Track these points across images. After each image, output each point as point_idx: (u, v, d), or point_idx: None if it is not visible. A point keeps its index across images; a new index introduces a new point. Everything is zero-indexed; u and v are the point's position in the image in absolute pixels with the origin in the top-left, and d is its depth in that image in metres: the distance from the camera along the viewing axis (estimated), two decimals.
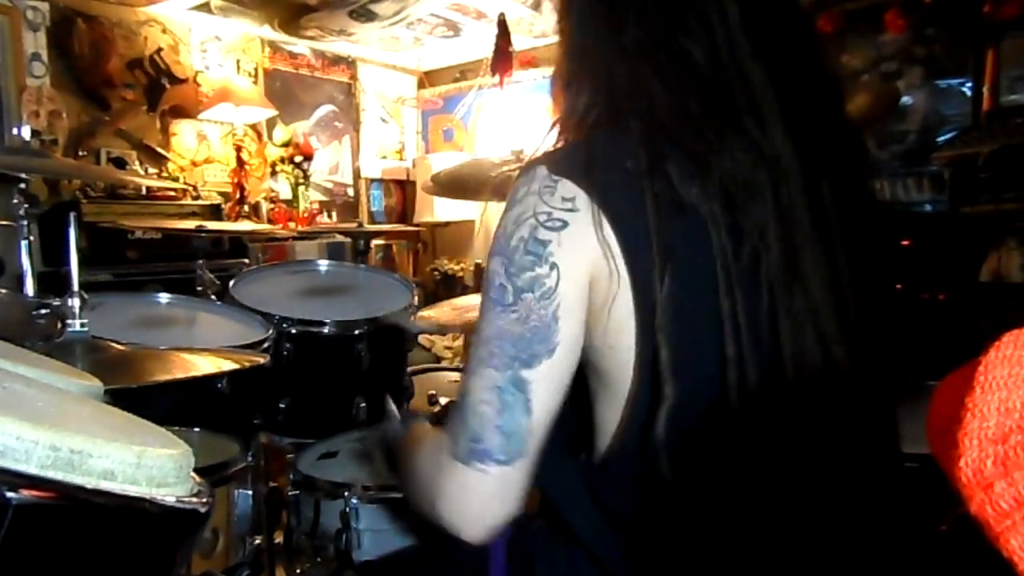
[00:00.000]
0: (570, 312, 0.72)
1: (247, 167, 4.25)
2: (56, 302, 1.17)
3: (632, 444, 0.74)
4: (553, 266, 0.72)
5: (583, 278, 0.72)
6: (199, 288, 1.95)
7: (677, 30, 0.76)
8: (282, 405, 1.68)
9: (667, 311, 0.70)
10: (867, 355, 0.77)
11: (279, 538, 1.50)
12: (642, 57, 0.77)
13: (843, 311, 0.74)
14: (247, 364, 1.28)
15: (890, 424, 0.82)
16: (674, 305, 0.70)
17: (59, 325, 1.16)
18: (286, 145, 4.47)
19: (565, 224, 0.72)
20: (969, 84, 3.14)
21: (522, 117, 4.27)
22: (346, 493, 1.25)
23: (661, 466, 0.71)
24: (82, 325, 1.16)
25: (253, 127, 4.36)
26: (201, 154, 4.16)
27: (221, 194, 4.05)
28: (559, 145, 0.81)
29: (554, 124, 0.84)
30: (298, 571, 1.39)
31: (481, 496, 0.73)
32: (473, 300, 1.84)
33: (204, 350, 1.36)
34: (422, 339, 1.92)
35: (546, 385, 0.72)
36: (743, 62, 0.75)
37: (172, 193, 3.70)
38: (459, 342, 3.46)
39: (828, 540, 0.76)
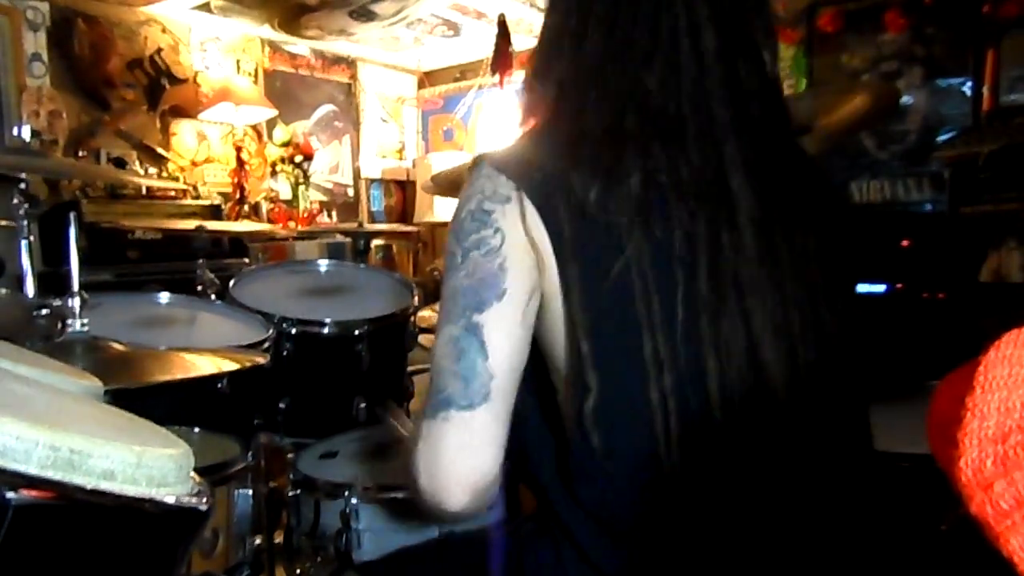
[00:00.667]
0: (516, 266, 0.75)
1: (247, 167, 4.25)
2: (56, 302, 1.17)
3: (577, 431, 0.75)
4: (497, 230, 0.75)
5: (525, 247, 0.76)
6: (199, 288, 1.95)
7: (636, 60, 0.78)
8: (282, 405, 1.68)
9: (583, 308, 0.73)
10: (818, 358, 0.77)
11: (279, 538, 1.49)
12: (594, 69, 0.80)
13: (783, 314, 0.75)
14: (247, 364, 1.28)
15: (850, 420, 0.82)
16: (588, 303, 0.73)
17: (59, 325, 1.16)
18: (286, 145, 4.48)
19: (509, 199, 0.76)
20: (969, 84, 3.14)
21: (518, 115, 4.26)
22: (346, 493, 1.25)
23: (597, 454, 0.73)
24: (82, 325, 1.16)
25: (253, 127, 4.36)
26: (201, 154, 4.16)
27: (221, 194, 4.06)
28: (504, 146, 0.85)
29: (520, 119, 0.88)
30: (298, 571, 1.39)
31: (449, 448, 0.73)
32: None
33: (204, 350, 1.36)
34: (422, 339, 1.92)
35: (499, 327, 0.74)
36: (707, 99, 0.77)
37: (172, 193, 3.70)
38: None
39: (810, 537, 0.76)
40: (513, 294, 0.75)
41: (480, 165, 0.80)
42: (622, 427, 0.73)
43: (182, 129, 4.08)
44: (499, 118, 4.48)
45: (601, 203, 0.73)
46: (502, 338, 0.74)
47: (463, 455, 0.74)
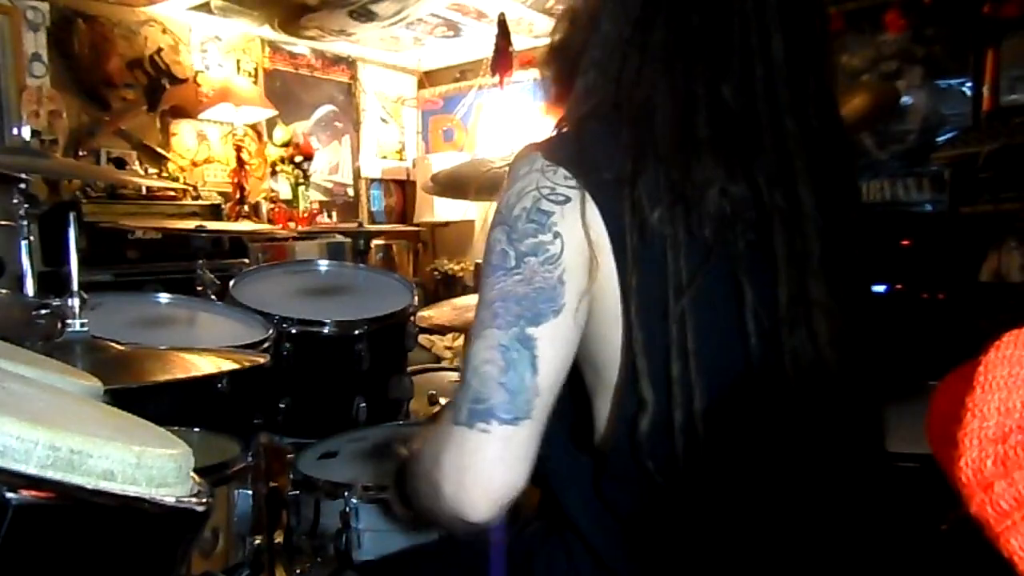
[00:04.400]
0: (574, 278, 0.72)
1: (247, 167, 4.25)
2: (56, 302, 1.17)
3: (623, 441, 0.74)
4: (557, 235, 0.72)
5: (584, 252, 0.73)
6: (199, 288, 1.95)
7: (712, 65, 0.75)
8: (282, 405, 1.68)
9: (639, 321, 0.71)
10: (850, 363, 0.77)
11: (279, 538, 1.49)
12: (662, 63, 0.76)
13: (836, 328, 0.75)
14: (247, 364, 1.28)
15: (875, 425, 0.83)
16: (645, 315, 0.71)
17: (59, 325, 1.16)
18: (286, 145, 4.48)
19: (568, 199, 0.72)
20: (969, 84, 3.14)
21: (522, 117, 4.27)
22: (346, 493, 1.25)
23: (648, 468, 0.72)
24: (82, 325, 1.16)
25: (253, 127, 4.36)
26: (201, 154, 4.16)
27: (221, 194, 4.06)
28: (553, 133, 0.81)
29: (561, 112, 0.83)
30: (298, 571, 1.39)
31: (484, 460, 0.70)
32: (473, 300, 1.84)
33: (204, 350, 1.36)
34: (422, 339, 1.92)
35: (552, 344, 0.71)
36: (778, 112, 0.74)
37: (172, 193, 3.70)
38: (459, 342, 3.46)
39: (820, 539, 0.76)
40: (569, 308, 0.71)
41: (533, 157, 0.75)
42: (671, 446, 0.72)
43: (182, 129, 4.08)
44: (499, 118, 4.48)
45: (667, 220, 0.71)
46: (553, 355, 0.71)
47: (498, 470, 0.70)
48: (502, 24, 2.41)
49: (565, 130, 0.80)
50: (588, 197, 0.72)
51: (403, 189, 5.30)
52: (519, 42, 2.64)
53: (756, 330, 0.72)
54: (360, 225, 4.12)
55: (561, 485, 0.81)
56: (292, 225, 4.16)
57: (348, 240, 4.07)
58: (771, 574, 0.76)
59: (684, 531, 0.75)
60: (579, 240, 0.72)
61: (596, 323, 0.75)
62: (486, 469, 0.70)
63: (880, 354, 0.82)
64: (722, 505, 0.74)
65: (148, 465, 0.45)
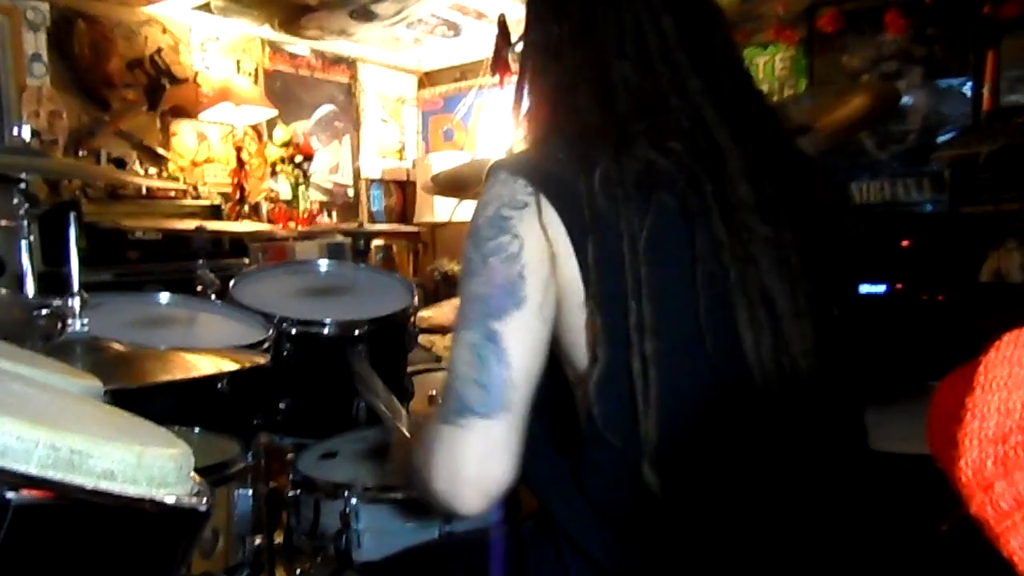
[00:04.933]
0: (534, 273, 0.76)
1: (247, 167, 4.25)
2: (56, 302, 1.17)
3: (591, 425, 0.76)
4: (515, 236, 0.76)
5: (544, 251, 0.76)
6: (199, 288, 1.95)
7: (614, 53, 0.83)
8: (282, 405, 1.68)
9: (597, 280, 0.74)
10: (821, 354, 0.78)
11: (279, 538, 1.49)
12: (579, 77, 0.84)
13: (788, 310, 0.76)
14: (247, 364, 1.28)
15: (853, 420, 0.83)
16: (604, 275, 0.74)
17: (59, 325, 1.16)
18: (286, 145, 4.48)
19: (526, 204, 0.77)
20: (969, 84, 3.14)
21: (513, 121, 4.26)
22: (346, 493, 1.25)
23: (599, 426, 0.74)
24: (82, 325, 1.16)
25: (253, 127, 4.36)
26: (201, 154, 4.16)
27: (221, 194, 4.06)
28: (515, 153, 0.90)
29: (519, 140, 0.94)
30: (298, 571, 1.39)
31: (469, 456, 0.74)
32: None
33: (204, 350, 1.36)
34: (422, 339, 1.92)
35: (518, 336, 0.75)
36: (678, 73, 0.82)
37: (172, 193, 3.70)
38: None
39: (801, 535, 0.77)
40: (532, 301, 0.75)
41: (496, 172, 0.81)
42: (620, 401, 0.74)
43: (182, 129, 4.08)
44: (499, 118, 4.48)
45: (606, 184, 0.75)
46: (521, 347, 0.75)
47: (484, 464, 0.75)
48: (502, 24, 2.41)
49: (526, 147, 0.89)
50: (544, 199, 0.76)
51: (403, 189, 5.30)
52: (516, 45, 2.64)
53: (704, 269, 0.75)
54: (360, 225, 4.12)
55: (543, 487, 0.84)
56: (292, 225, 4.17)
57: (348, 240, 4.07)
58: (755, 569, 0.76)
59: (664, 524, 0.75)
60: (538, 240, 0.76)
61: (566, 318, 0.78)
62: (472, 464, 0.74)
63: (867, 355, 0.83)
64: (704, 518, 0.75)
65: (148, 465, 0.45)
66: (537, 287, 0.76)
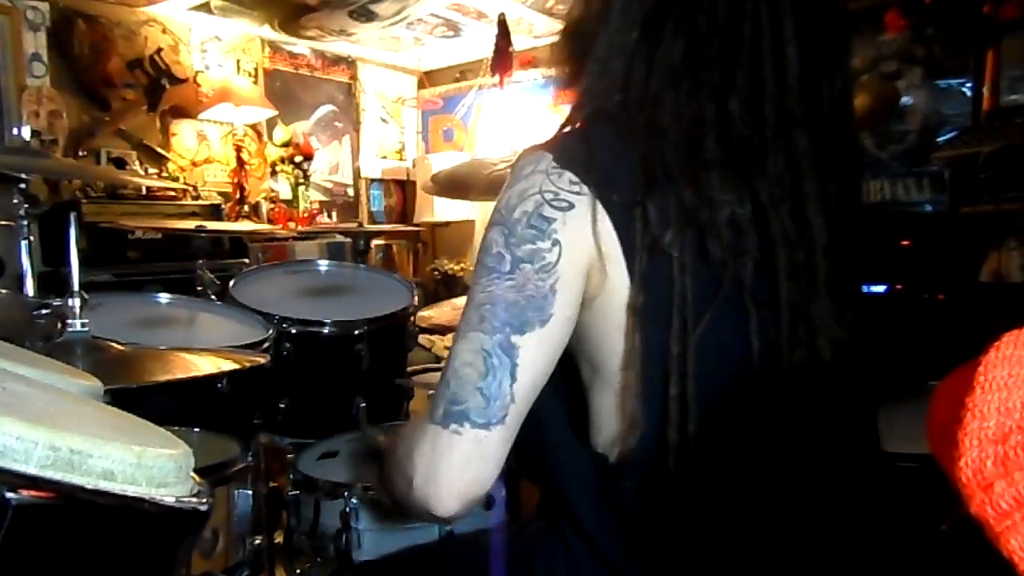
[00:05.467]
0: (567, 288, 0.71)
1: (247, 167, 4.25)
2: (56, 302, 1.17)
3: (625, 428, 0.75)
4: (556, 243, 0.71)
5: (583, 261, 0.72)
6: (199, 288, 1.95)
7: (718, 79, 0.73)
8: (282, 405, 1.68)
9: (641, 339, 0.71)
10: (850, 378, 0.77)
11: (279, 538, 1.49)
12: (669, 77, 0.74)
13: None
14: (247, 364, 1.28)
15: (870, 435, 0.83)
16: (648, 334, 0.71)
17: (59, 325, 1.16)
18: (286, 145, 4.48)
19: (571, 206, 0.71)
20: (969, 84, 3.14)
21: (522, 117, 4.27)
22: (346, 493, 1.25)
23: (627, 487, 0.73)
24: (82, 325, 1.16)
25: (253, 127, 4.36)
26: (201, 154, 4.16)
27: (221, 194, 4.06)
28: (561, 133, 0.79)
29: (572, 104, 0.81)
30: (298, 571, 1.39)
31: (454, 460, 0.71)
32: None
33: (204, 350, 1.36)
34: (422, 339, 1.92)
35: (535, 354, 0.71)
36: (787, 124, 0.72)
37: (172, 193, 3.70)
38: None
39: (818, 542, 0.77)
40: (557, 319, 0.71)
41: (539, 157, 0.73)
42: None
43: (182, 129, 4.08)
44: (499, 118, 4.48)
45: (676, 243, 0.70)
46: (535, 364, 0.71)
47: (466, 470, 0.71)
48: (502, 24, 2.41)
49: (572, 130, 0.78)
50: (600, 207, 0.71)
51: (403, 189, 5.30)
52: (519, 42, 2.64)
53: (760, 352, 0.72)
54: (360, 225, 4.13)
55: (564, 479, 0.81)
56: (292, 225, 4.16)
57: (348, 240, 4.07)
58: (771, 571, 0.77)
59: (685, 533, 0.75)
60: (580, 249, 0.72)
61: (600, 327, 0.75)
62: (455, 468, 0.71)
63: (877, 362, 0.83)
64: (719, 521, 0.74)
65: (148, 465, 0.45)
66: (566, 304, 0.71)
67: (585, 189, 0.71)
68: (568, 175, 0.72)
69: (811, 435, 0.76)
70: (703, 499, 0.74)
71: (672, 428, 0.71)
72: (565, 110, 0.83)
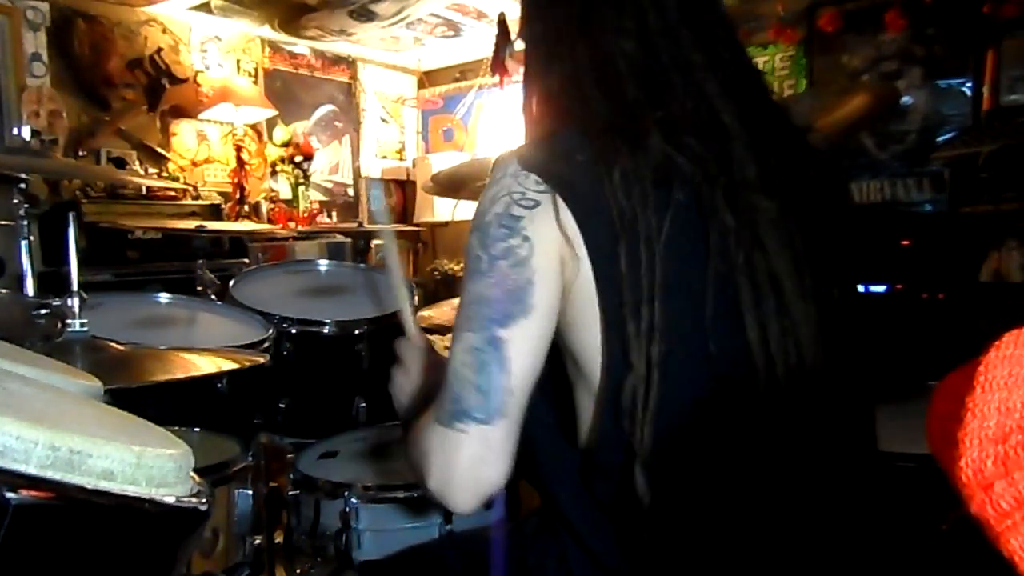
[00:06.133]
0: (544, 280, 0.75)
1: (247, 167, 4.25)
2: (56, 302, 1.17)
3: (607, 434, 0.76)
4: (526, 239, 0.75)
5: (555, 252, 0.75)
6: (199, 288, 1.95)
7: (615, 32, 0.81)
8: (282, 405, 1.68)
9: (629, 285, 0.73)
10: (831, 354, 0.77)
11: (279, 538, 1.49)
12: (585, 64, 0.82)
13: (801, 309, 0.75)
14: (247, 364, 1.28)
15: (864, 420, 0.83)
16: (632, 280, 0.72)
17: (59, 325, 1.16)
18: (286, 145, 4.47)
19: (538, 203, 0.75)
20: (969, 84, 3.14)
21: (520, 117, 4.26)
22: (346, 493, 1.25)
23: (634, 440, 0.72)
24: (82, 325, 1.16)
25: (253, 127, 4.36)
26: (201, 154, 4.16)
27: (221, 194, 4.06)
28: (528, 140, 0.87)
29: (526, 131, 0.91)
30: (298, 571, 1.39)
31: (464, 459, 0.74)
32: None
33: (204, 350, 1.36)
34: None
35: (522, 345, 0.74)
36: (684, 54, 0.80)
37: (172, 193, 3.70)
38: None
39: (809, 535, 0.77)
40: (539, 309, 0.74)
41: (505, 164, 0.79)
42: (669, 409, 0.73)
43: (182, 129, 4.08)
44: (499, 118, 4.49)
45: (625, 184, 0.74)
46: (523, 355, 0.74)
47: (478, 468, 0.74)
48: (502, 24, 2.40)
49: (537, 136, 0.86)
50: (560, 202, 0.75)
51: (403, 189, 5.30)
52: (519, 42, 2.64)
53: (717, 262, 0.74)
54: (360, 225, 4.13)
55: (552, 479, 0.83)
56: (292, 225, 4.16)
57: (348, 240, 4.07)
58: (763, 569, 0.76)
59: (670, 527, 0.75)
60: (550, 241, 0.75)
61: (575, 318, 0.77)
62: (468, 467, 0.74)
63: (869, 349, 0.82)
64: (704, 516, 0.75)
65: (148, 465, 0.45)
66: (545, 295, 0.75)
67: (548, 187, 0.75)
68: (533, 176, 0.76)
69: (790, 422, 0.76)
70: (684, 493, 0.74)
71: (637, 421, 0.72)
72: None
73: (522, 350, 0.74)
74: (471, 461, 0.74)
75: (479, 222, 0.77)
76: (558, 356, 0.81)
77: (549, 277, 0.75)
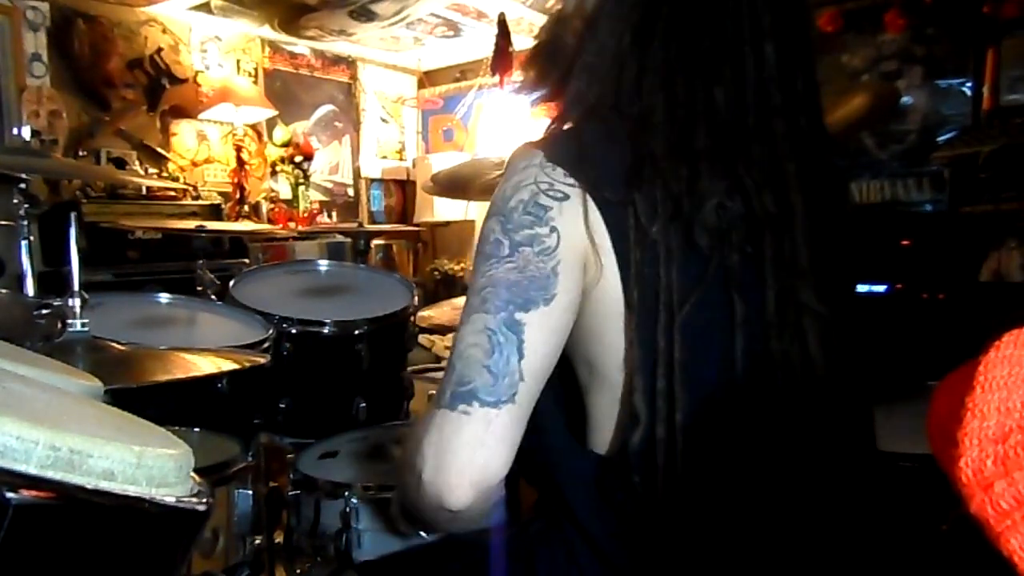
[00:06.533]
0: (569, 272, 0.72)
1: (247, 167, 4.25)
2: (56, 302, 1.17)
3: (624, 449, 0.75)
4: (553, 229, 0.72)
5: (580, 249, 0.73)
6: (199, 288, 1.95)
7: (707, 73, 0.75)
8: (282, 405, 1.68)
9: (638, 335, 0.72)
10: (839, 367, 0.77)
11: (279, 538, 1.49)
12: (660, 75, 0.76)
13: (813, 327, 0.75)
14: (247, 364, 1.28)
15: (865, 428, 0.83)
16: (642, 329, 0.72)
17: (59, 325, 1.16)
18: (286, 145, 4.48)
19: (567, 196, 0.73)
20: (969, 84, 3.14)
21: (522, 117, 4.26)
22: (346, 493, 1.25)
23: (635, 483, 0.72)
24: (82, 325, 1.16)
25: (253, 127, 4.36)
26: (201, 154, 4.16)
27: (221, 194, 4.06)
28: (552, 132, 0.81)
29: (557, 110, 0.84)
30: (298, 571, 1.39)
31: (463, 441, 0.69)
32: None
33: (204, 350, 1.36)
34: (422, 339, 1.92)
35: (541, 332, 0.71)
36: (767, 111, 0.75)
37: (172, 193, 3.70)
38: None
39: (815, 540, 0.77)
40: (561, 301, 0.72)
41: (532, 154, 0.75)
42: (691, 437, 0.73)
43: (182, 129, 4.08)
44: (499, 118, 4.48)
45: (664, 233, 0.71)
46: (541, 343, 0.71)
47: (477, 452, 0.70)
48: (502, 24, 2.41)
49: (563, 129, 0.81)
50: (590, 200, 0.72)
51: (403, 189, 5.30)
52: (519, 42, 2.64)
53: (744, 341, 0.73)
54: (360, 225, 4.13)
55: (564, 480, 0.81)
56: (292, 225, 4.17)
57: (348, 240, 4.08)
58: (769, 572, 0.77)
59: (683, 531, 0.75)
60: (577, 238, 0.73)
61: (596, 324, 0.75)
62: (464, 450, 0.70)
63: (870, 357, 0.83)
64: (712, 513, 0.75)
65: (148, 465, 0.45)
66: (568, 287, 0.72)
67: (577, 184, 0.73)
68: (560, 170, 0.74)
69: (804, 428, 0.76)
70: (698, 496, 0.74)
71: (660, 423, 0.71)
72: (543, 117, 0.87)
73: (540, 338, 0.71)
74: (471, 446, 0.69)
75: (500, 208, 0.74)
76: (567, 363, 0.80)
77: (573, 271, 0.73)
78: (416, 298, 1.90)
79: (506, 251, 0.72)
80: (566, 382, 0.81)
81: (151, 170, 3.87)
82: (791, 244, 0.74)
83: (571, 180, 0.73)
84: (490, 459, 0.70)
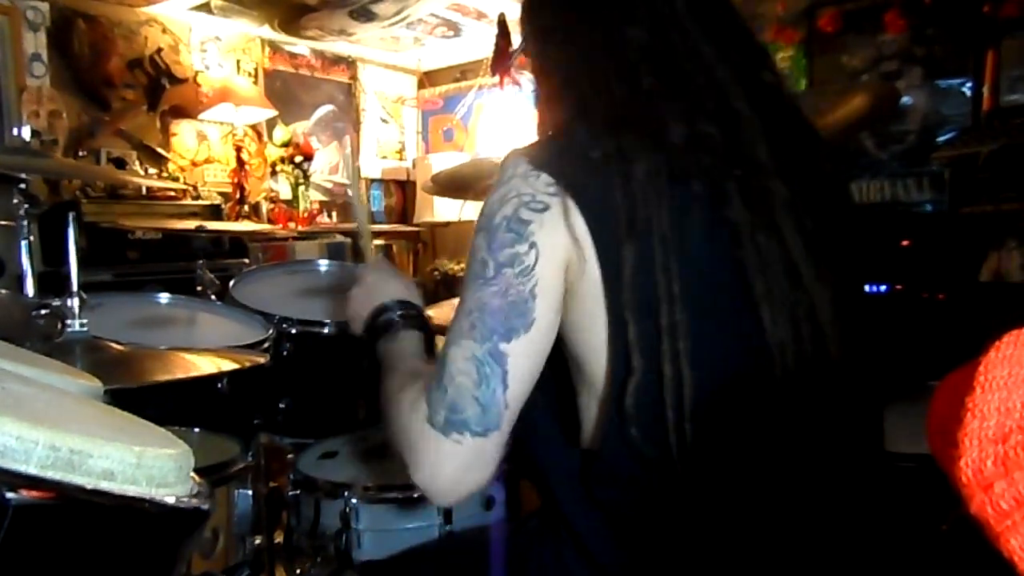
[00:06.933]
0: (546, 292, 0.75)
1: (247, 167, 4.25)
2: (56, 302, 1.17)
3: (611, 438, 0.76)
4: (532, 245, 0.74)
5: (560, 260, 0.75)
6: (199, 288, 1.95)
7: (624, 20, 0.82)
8: (282, 405, 1.68)
9: (632, 287, 0.72)
10: (846, 350, 0.77)
11: (279, 538, 1.49)
12: (596, 54, 0.83)
13: (815, 295, 0.75)
14: (247, 364, 1.28)
15: (873, 416, 0.83)
16: (639, 282, 0.72)
17: (59, 325, 1.16)
18: (286, 145, 4.47)
19: (547, 207, 0.75)
20: (969, 84, 3.14)
21: (522, 117, 4.26)
22: (346, 493, 1.25)
23: (634, 439, 0.73)
24: (82, 325, 1.16)
25: (253, 127, 4.36)
26: (201, 154, 4.16)
27: (221, 194, 4.06)
28: (538, 138, 0.86)
29: (537, 130, 0.90)
30: (298, 571, 1.39)
31: (456, 466, 0.75)
32: None
33: (204, 350, 1.36)
34: None
35: (523, 360, 0.75)
36: (693, 42, 0.81)
37: (172, 193, 3.70)
38: None
39: (813, 535, 0.76)
40: (540, 323, 0.75)
41: (516, 162, 0.78)
42: (652, 411, 0.73)
43: (182, 129, 4.08)
44: (499, 118, 4.48)
45: (643, 184, 0.73)
46: (523, 370, 0.75)
47: (468, 474, 0.76)
48: (502, 24, 2.40)
49: (548, 134, 0.85)
50: (571, 204, 0.74)
51: (403, 189, 5.30)
52: (519, 42, 2.64)
53: (732, 274, 0.74)
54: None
55: (555, 480, 0.83)
56: (292, 225, 4.17)
57: (348, 240, 4.07)
58: (764, 571, 0.76)
59: (673, 529, 0.75)
60: (556, 247, 0.74)
61: (579, 320, 0.77)
62: (457, 474, 0.76)
63: (878, 349, 0.83)
64: (712, 499, 0.75)
65: (148, 465, 0.45)
66: (547, 309, 0.75)
67: (559, 189, 0.75)
68: (544, 177, 0.76)
69: (806, 416, 0.76)
70: (691, 495, 0.74)
71: (667, 363, 0.72)
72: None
73: (522, 365, 0.74)
74: (462, 469, 0.75)
75: (487, 223, 0.77)
76: (560, 357, 0.81)
77: (551, 290, 0.75)
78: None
79: (491, 272, 0.75)
80: (557, 377, 0.82)
81: (151, 170, 3.87)
82: (746, 143, 0.77)
83: (552, 188, 0.75)
84: (478, 478, 0.77)
